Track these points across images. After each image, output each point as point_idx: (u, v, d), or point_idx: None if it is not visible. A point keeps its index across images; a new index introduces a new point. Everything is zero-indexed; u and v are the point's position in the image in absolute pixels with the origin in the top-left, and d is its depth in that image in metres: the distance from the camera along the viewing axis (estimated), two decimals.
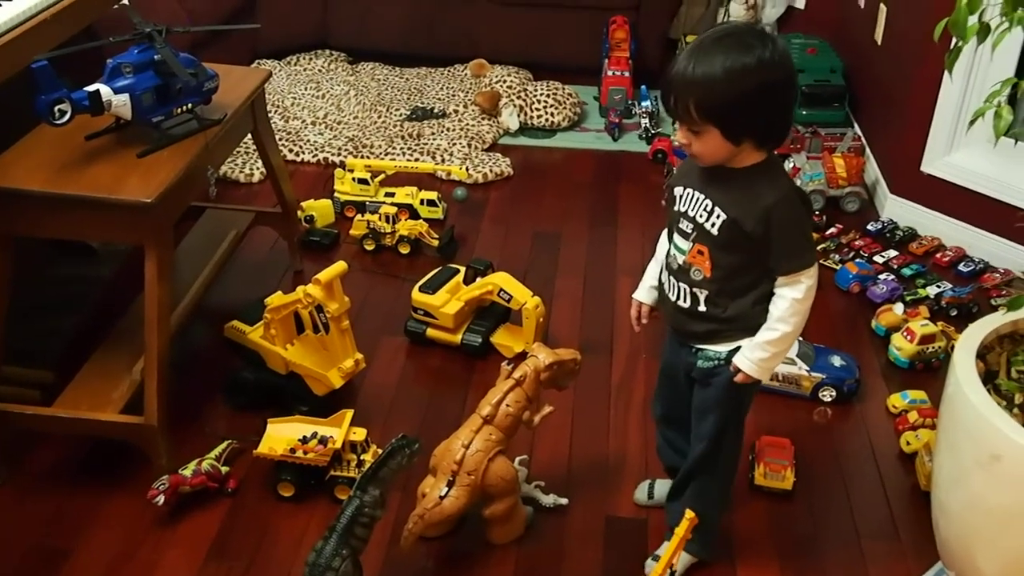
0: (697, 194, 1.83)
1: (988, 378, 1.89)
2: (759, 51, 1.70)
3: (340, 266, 2.34)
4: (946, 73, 3.09)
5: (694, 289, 1.86)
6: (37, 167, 2.15)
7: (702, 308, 1.87)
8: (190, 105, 2.33)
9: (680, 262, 1.87)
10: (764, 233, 1.77)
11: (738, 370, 1.86)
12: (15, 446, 2.31)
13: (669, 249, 1.92)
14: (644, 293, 2.05)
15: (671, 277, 1.91)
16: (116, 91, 2.17)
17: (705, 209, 1.82)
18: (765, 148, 1.80)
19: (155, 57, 2.24)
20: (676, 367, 2.03)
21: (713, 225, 1.80)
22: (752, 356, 1.84)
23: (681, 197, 1.87)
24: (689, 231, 1.84)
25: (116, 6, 2.63)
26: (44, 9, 2.33)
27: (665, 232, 1.97)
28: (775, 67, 1.72)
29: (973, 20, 1.69)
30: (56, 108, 2.06)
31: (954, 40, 1.71)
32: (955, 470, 1.83)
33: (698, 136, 1.76)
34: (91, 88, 2.14)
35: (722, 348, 1.90)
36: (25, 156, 2.19)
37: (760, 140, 1.77)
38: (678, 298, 1.90)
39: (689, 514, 1.89)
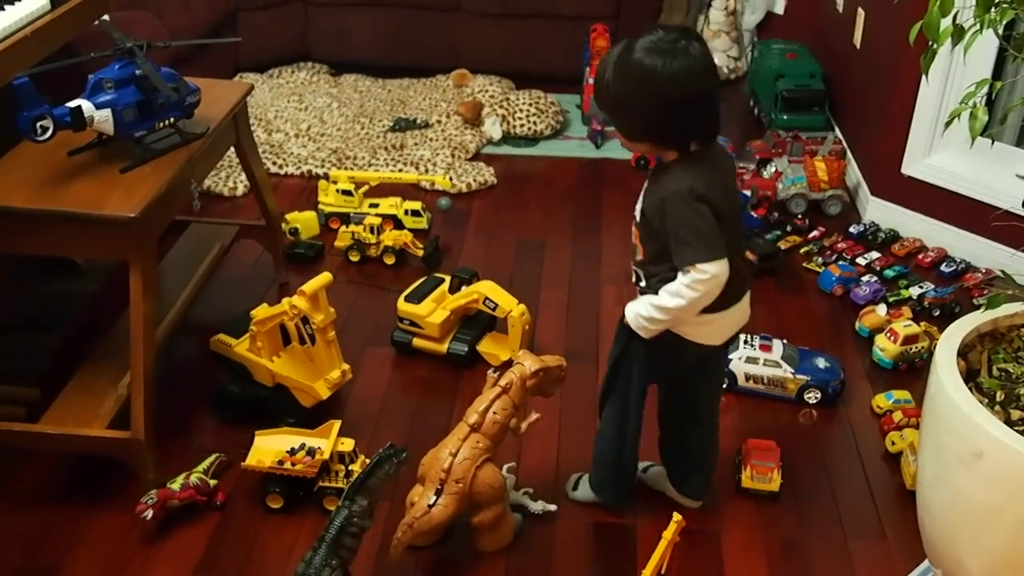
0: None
1: (970, 376, 1.90)
2: (653, 60, 1.81)
3: (325, 277, 2.35)
4: (923, 76, 3.13)
5: (636, 268, 2.04)
6: (20, 184, 2.15)
7: (643, 284, 2.02)
8: (172, 119, 2.33)
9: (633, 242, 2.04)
10: (661, 224, 1.89)
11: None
12: (1, 464, 2.30)
13: None
14: None
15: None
16: (98, 106, 2.18)
17: (640, 197, 1.98)
18: (671, 148, 1.90)
19: (136, 72, 2.24)
20: None
21: (638, 212, 1.97)
22: (636, 307, 2.00)
23: None
24: (636, 215, 2.00)
25: (96, 23, 2.64)
26: (24, 27, 2.33)
27: None
28: (662, 78, 1.81)
29: (947, 23, 1.71)
30: (38, 124, 2.06)
31: (929, 42, 1.73)
32: (938, 468, 1.84)
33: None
34: (73, 104, 2.15)
35: None
36: (7, 173, 2.19)
37: (656, 141, 1.91)
38: (632, 275, 2.07)
39: (677, 517, 1.90)
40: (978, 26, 1.67)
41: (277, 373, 2.44)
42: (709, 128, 1.92)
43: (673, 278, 1.91)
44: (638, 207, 1.98)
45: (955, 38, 1.76)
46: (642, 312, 1.97)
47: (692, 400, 2.19)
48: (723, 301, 1.95)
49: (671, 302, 1.91)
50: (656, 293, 1.95)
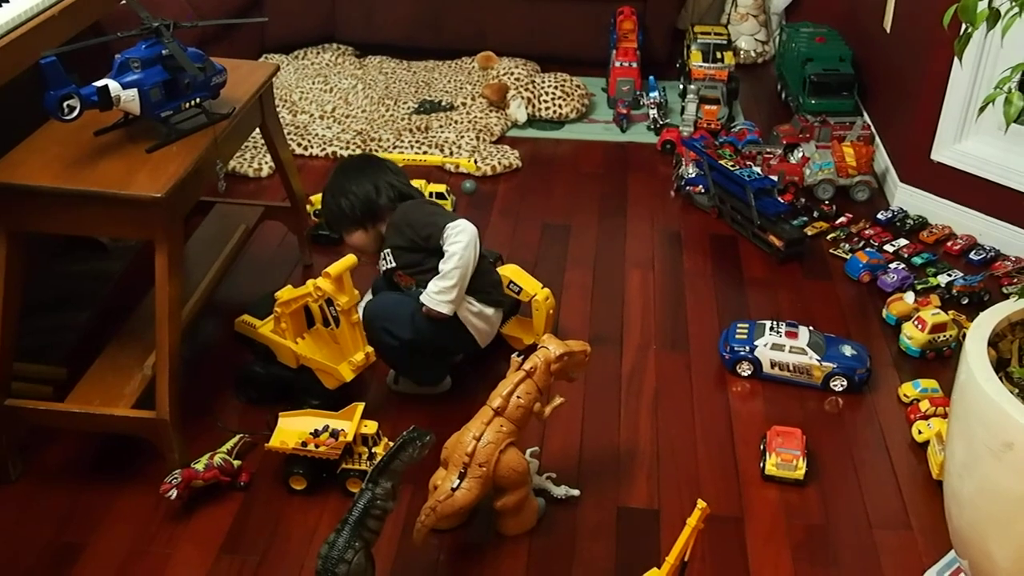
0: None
1: (1000, 366, 1.88)
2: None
3: (350, 259, 2.34)
4: (955, 60, 3.09)
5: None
6: (47, 163, 2.16)
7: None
8: (198, 100, 2.33)
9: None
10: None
11: None
12: (28, 442, 2.32)
13: None
14: None
15: None
16: (124, 86, 2.17)
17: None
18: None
19: (163, 52, 2.24)
20: None
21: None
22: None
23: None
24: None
25: (122, 2, 2.64)
26: (51, 5, 2.34)
27: None
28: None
29: (983, 6, 1.68)
30: (65, 104, 2.06)
31: (963, 26, 1.70)
32: (968, 458, 1.82)
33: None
34: (100, 83, 2.14)
35: None
36: (35, 152, 2.20)
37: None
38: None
39: (701, 504, 1.89)
40: (1017, 9, 1.63)
41: (301, 355, 2.44)
42: None
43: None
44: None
45: (990, 22, 1.73)
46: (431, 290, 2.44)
47: None
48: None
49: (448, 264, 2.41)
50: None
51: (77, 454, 2.36)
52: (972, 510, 1.83)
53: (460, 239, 2.42)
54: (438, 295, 2.42)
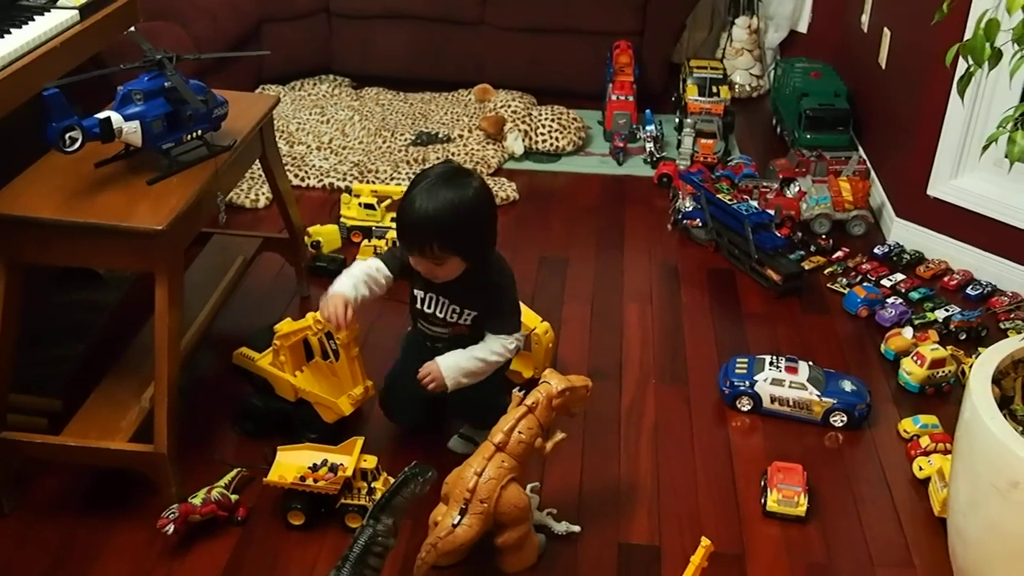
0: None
1: (1003, 403, 1.88)
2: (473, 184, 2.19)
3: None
4: (952, 97, 3.11)
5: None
6: (48, 194, 2.15)
7: None
8: (200, 132, 2.33)
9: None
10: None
11: None
12: (22, 474, 2.29)
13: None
14: None
15: None
16: (127, 118, 2.17)
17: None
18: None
19: (165, 84, 2.24)
20: None
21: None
22: None
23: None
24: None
25: (124, 33, 2.64)
26: (53, 37, 2.34)
27: None
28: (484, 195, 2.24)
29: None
30: (67, 135, 2.05)
31: (964, 64, 1.71)
32: (973, 496, 1.82)
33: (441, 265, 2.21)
34: (102, 115, 2.14)
35: None
36: (35, 183, 2.19)
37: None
38: None
39: (705, 541, 1.87)
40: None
41: (300, 388, 2.43)
42: None
43: None
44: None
45: (991, 62, 1.75)
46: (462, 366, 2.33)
47: None
48: None
49: None
50: None
51: (72, 487, 2.34)
52: (978, 549, 1.82)
53: (511, 351, 2.35)
54: (462, 377, 2.29)
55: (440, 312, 2.32)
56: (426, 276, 2.26)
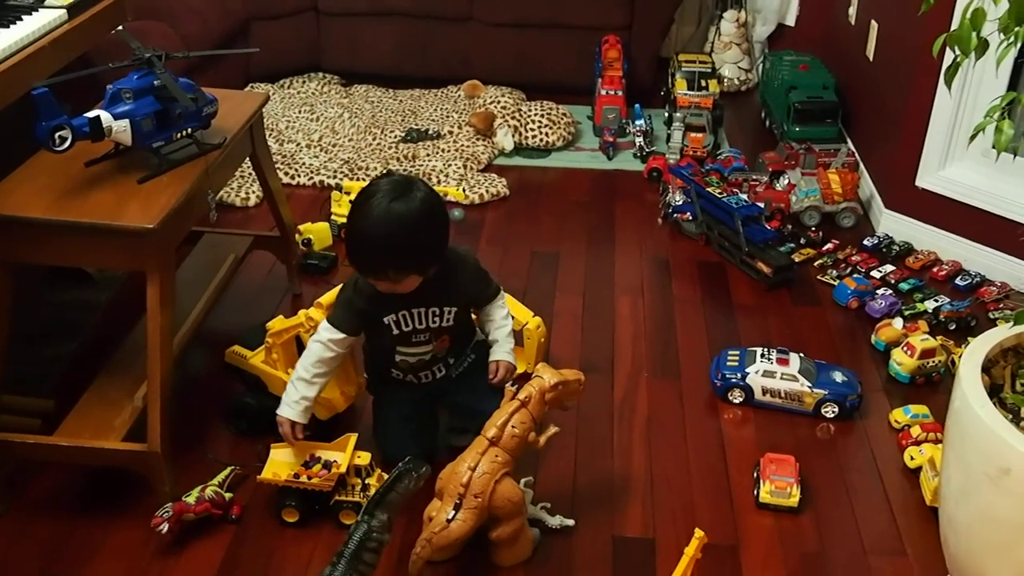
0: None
1: (993, 391, 1.89)
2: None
3: None
4: (939, 88, 3.12)
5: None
6: (38, 194, 2.14)
7: None
8: (190, 130, 2.33)
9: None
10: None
11: None
12: (16, 475, 2.29)
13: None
14: None
15: None
16: (116, 117, 2.17)
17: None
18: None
19: (155, 83, 2.24)
20: None
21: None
22: None
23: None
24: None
25: (112, 32, 2.63)
26: (41, 36, 2.33)
27: None
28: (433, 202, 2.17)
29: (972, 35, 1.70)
30: (56, 135, 2.05)
31: (951, 55, 1.72)
32: (964, 484, 1.83)
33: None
34: (91, 114, 2.13)
35: None
36: (25, 183, 2.19)
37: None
38: None
39: (699, 533, 1.88)
40: (1014, 39, 1.65)
41: None
42: None
43: None
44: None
45: (978, 51, 1.75)
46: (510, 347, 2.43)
47: None
48: None
49: None
50: None
51: (66, 487, 2.33)
52: (969, 537, 1.83)
53: (506, 305, 2.45)
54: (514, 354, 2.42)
55: (420, 323, 2.25)
56: (386, 292, 2.18)
